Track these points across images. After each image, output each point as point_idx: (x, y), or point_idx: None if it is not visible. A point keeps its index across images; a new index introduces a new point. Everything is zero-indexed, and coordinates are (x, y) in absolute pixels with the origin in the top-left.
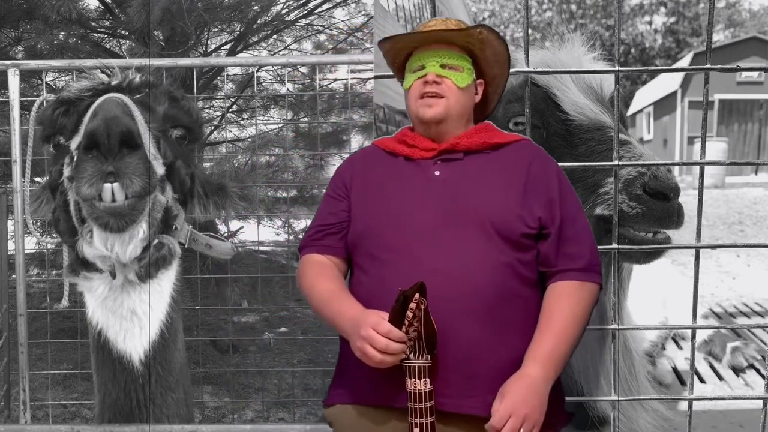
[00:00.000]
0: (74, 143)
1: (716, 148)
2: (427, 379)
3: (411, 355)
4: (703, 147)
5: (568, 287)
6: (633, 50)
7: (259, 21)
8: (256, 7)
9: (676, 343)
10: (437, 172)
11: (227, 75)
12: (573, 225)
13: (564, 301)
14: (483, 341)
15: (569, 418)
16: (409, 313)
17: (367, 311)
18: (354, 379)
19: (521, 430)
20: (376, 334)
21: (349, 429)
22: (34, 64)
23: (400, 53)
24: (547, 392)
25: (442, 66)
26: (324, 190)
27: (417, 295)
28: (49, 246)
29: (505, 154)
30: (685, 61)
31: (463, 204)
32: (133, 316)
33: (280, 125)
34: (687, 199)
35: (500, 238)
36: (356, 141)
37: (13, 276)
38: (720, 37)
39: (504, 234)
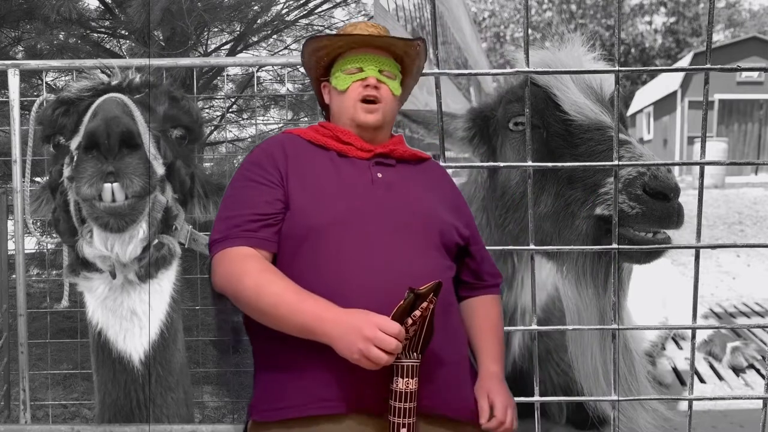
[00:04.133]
0: (74, 143)
1: (716, 148)
2: (417, 378)
3: (401, 354)
4: (703, 147)
5: (494, 299)
6: (633, 50)
7: (259, 21)
8: (256, 7)
9: (676, 343)
10: (379, 175)
11: (227, 75)
12: (483, 245)
13: (494, 310)
14: (437, 344)
15: None
16: (417, 312)
17: (360, 311)
18: (304, 388)
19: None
20: (384, 336)
21: None
22: (34, 64)
23: (333, 52)
24: None
25: (380, 71)
26: None
27: (431, 295)
28: (49, 246)
29: (426, 169)
30: (685, 61)
31: (410, 210)
32: (133, 316)
33: (280, 125)
34: (687, 199)
35: (442, 246)
36: None
37: (13, 276)
38: (720, 37)
39: (445, 243)
